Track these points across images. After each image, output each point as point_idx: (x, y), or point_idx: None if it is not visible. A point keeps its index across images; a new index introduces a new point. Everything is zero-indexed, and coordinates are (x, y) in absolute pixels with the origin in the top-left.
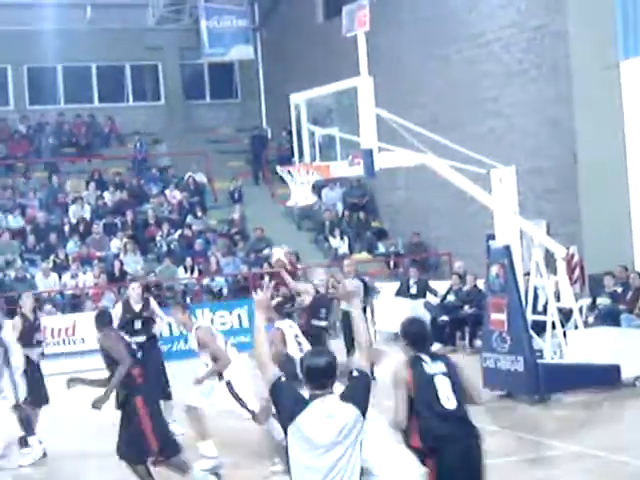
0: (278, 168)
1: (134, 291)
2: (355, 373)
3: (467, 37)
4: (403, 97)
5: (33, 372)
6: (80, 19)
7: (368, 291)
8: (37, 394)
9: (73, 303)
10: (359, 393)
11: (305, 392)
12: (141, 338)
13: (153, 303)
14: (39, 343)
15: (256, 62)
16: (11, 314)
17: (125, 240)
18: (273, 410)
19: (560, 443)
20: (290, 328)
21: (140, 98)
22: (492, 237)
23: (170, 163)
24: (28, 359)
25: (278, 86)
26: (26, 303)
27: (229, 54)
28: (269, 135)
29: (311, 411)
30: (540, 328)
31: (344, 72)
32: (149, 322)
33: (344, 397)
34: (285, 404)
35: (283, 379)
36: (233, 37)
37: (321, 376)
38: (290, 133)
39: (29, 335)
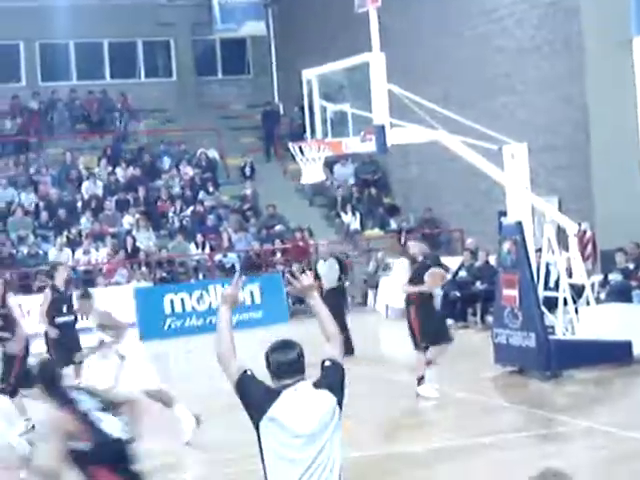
0: (290, 144)
1: None
2: (327, 363)
3: (480, 13)
4: (415, 73)
5: (64, 337)
6: None
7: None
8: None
9: (86, 279)
10: (334, 381)
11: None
12: (6, 334)
13: (13, 301)
14: (69, 311)
15: (268, 38)
16: (23, 289)
17: (137, 216)
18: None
19: (571, 419)
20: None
21: (152, 74)
22: (504, 213)
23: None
24: (59, 327)
25: (290, 62)
26: (60, 275)
27: (241, 30)
28: (281, 111)
29: (284, 401)
30: (552, 304)
31: (356, 48)
32: (9, 319)
33: (318, 384)
34: (254, 398)
35: (249, 372)
36: (245, 13)
37: (292, 368)
38: (302, 109)
39: (60, 305)
